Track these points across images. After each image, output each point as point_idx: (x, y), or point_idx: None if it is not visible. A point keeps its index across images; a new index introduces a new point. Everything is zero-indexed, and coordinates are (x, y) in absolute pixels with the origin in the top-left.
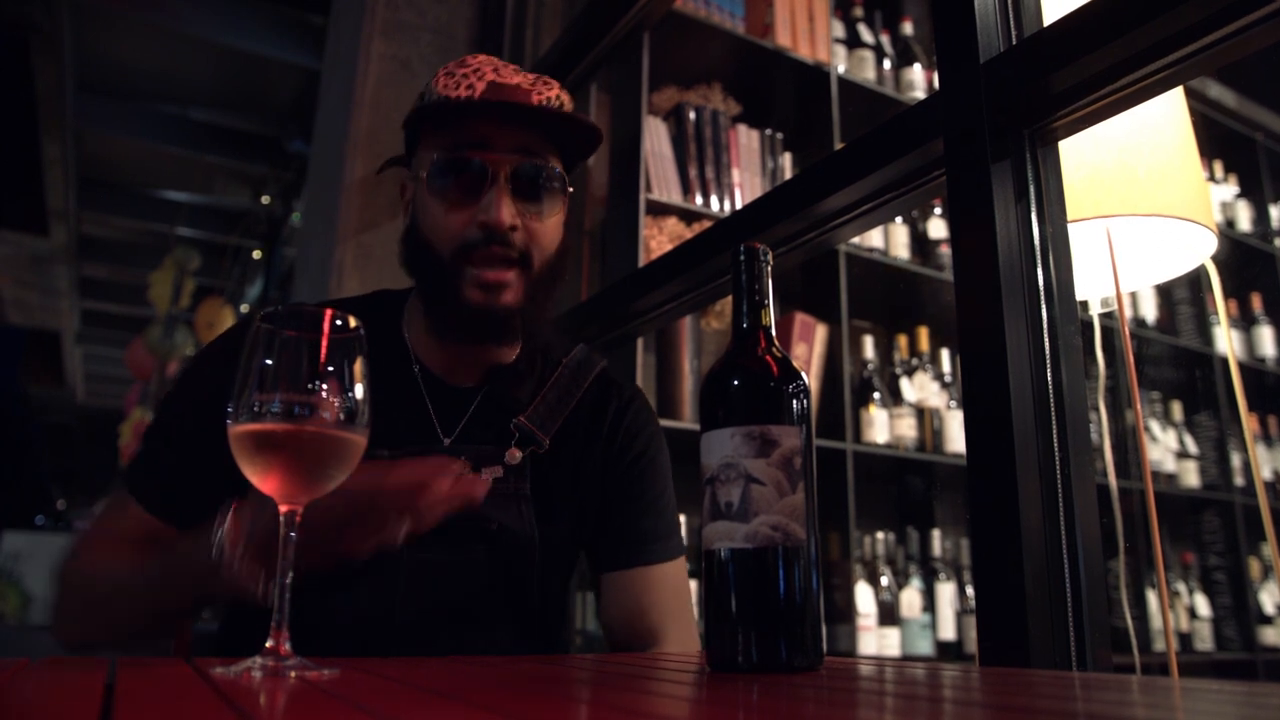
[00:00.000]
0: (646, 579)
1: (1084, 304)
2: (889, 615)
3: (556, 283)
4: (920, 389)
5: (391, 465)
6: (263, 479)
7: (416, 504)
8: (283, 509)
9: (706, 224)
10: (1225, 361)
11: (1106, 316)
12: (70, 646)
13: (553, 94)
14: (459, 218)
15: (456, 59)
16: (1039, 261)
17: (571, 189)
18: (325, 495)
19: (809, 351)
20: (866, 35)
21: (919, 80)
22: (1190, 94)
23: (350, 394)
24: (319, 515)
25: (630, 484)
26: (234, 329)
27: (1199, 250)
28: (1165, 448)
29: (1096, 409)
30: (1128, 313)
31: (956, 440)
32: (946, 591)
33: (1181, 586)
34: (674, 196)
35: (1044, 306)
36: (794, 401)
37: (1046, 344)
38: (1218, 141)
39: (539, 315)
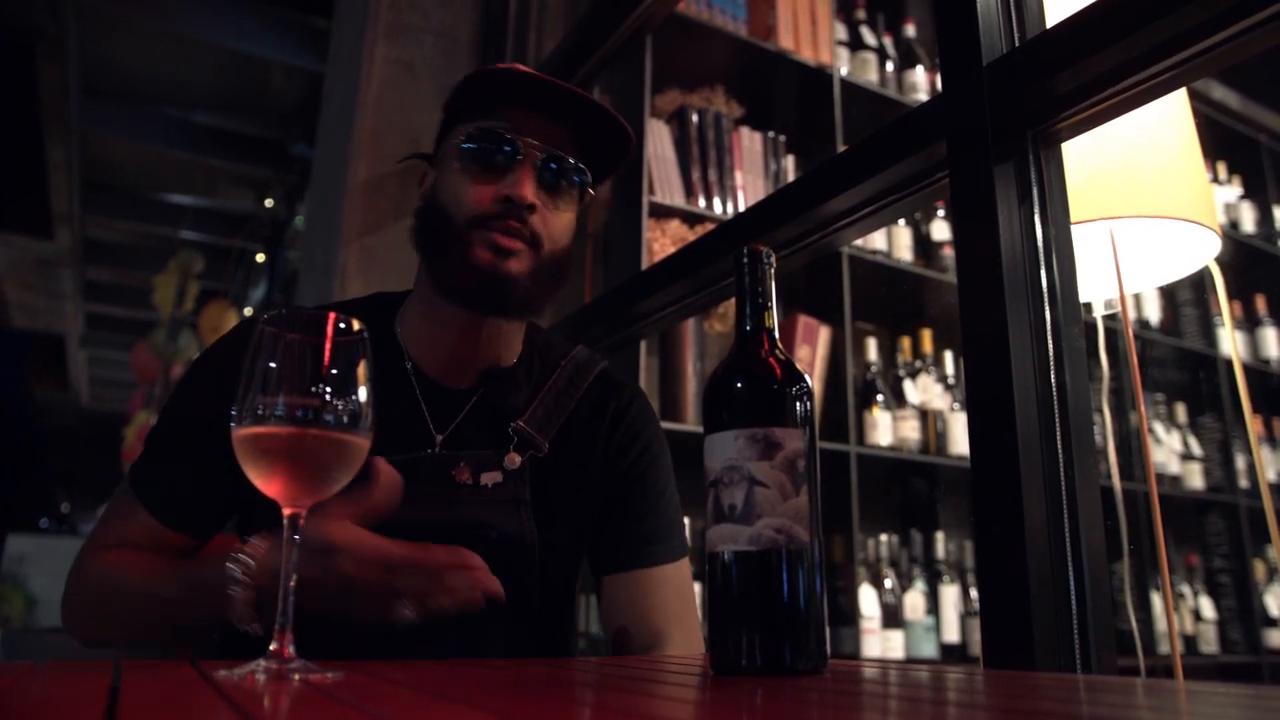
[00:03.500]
0: (648, 581)
1: (1087, 306)
2: (893, 618)
3: (559, 279)
4: (924, 391)
5: (421, 546)
6: (266, 482)
7: (431, 589)
8: (286, 512)
9: (709, 226)
10: (1229, 363)
11: (1110, 318)
12: (84, 643)
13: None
14: (482, 191)
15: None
16: (1042, 263)
17: (592, 192)
18: (338, 557)
19: (812, 354)
20: (869, 37)
21: (922, 82)
22: (1194, 95)
23: (354, 397)
24: (327, 576)
25: (630, 485)
26: (233, 332)
27: (1203, 252)
28: (1169, 450)
29: (1100, 411)
30: (1131, 314)
31: (960, 442)
32: (950, 594)
33: (1186, 589)
34: (677, 199)
35: (1047, 308)
36: (797, 404)
37: (1050, 346)
38: (1221, 143)
39: (540, 302)
